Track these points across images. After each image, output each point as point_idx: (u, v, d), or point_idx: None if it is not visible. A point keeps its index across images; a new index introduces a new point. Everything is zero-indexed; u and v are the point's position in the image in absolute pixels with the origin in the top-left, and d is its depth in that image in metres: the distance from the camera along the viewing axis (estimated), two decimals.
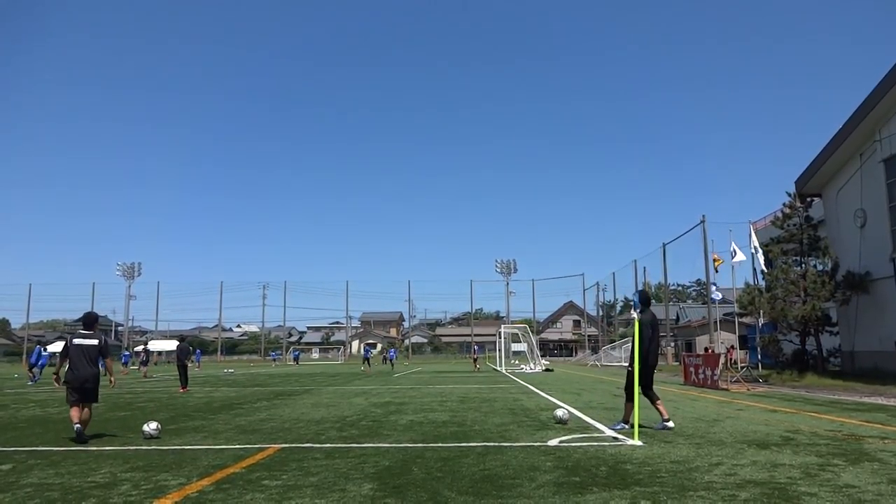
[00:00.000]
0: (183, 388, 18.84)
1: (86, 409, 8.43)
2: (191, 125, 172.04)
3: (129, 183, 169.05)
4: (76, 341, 8.53)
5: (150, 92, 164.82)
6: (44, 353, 28.32)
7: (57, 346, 75.24)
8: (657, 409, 8.83)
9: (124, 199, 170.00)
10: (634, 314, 8.80)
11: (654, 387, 8.94)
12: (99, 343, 8.61)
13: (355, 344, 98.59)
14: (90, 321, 8.87)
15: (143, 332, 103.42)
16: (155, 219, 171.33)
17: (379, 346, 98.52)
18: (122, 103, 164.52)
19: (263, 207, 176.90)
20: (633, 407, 8.18)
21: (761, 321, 27.09)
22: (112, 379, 9.31)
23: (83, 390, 8.38)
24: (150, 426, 8.44)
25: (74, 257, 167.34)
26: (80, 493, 5.15)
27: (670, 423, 8.74)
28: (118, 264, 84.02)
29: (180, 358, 19.89)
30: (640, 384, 8.37)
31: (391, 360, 47.47)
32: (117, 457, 7.00)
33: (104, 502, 4.84)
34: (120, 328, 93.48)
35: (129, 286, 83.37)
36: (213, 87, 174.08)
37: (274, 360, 73.60)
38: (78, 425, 8.18)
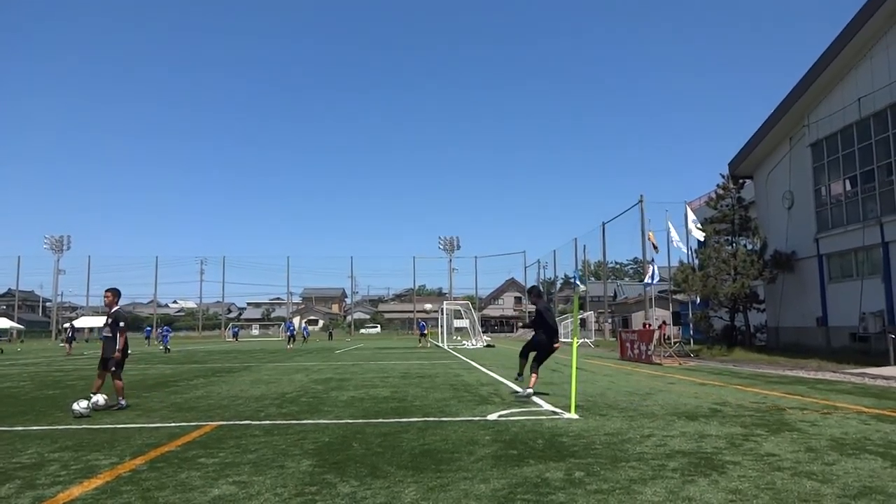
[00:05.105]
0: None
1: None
2: (123, 95, 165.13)
3: (56, 155, 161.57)
4: None
5: (80, 62, 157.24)
6: None
7: None
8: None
9: (51, 171, 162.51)
10: (581, 287, 9.96)
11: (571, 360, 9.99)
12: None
13: (296, 320, 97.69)
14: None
15: (74, 308, 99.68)
16: (85, 191, 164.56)
17: (321, 323, 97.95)
18: (49, 74, 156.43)
19: (201, 180, 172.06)
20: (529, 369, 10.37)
21: (694, 298, 28.12)
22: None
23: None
24: (81, 405, 8.16)
25: None
26: (4, 475, 4.95)
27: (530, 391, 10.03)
28: (46, 237, 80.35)
29: None
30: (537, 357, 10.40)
31: (305, 336, 51.56)
32: (45, 437, 6.75)
33: (30, 483, 4.67)
34: (48, 304, 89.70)
35: (58, 260, 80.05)
36: (148, 57, 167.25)
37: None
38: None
